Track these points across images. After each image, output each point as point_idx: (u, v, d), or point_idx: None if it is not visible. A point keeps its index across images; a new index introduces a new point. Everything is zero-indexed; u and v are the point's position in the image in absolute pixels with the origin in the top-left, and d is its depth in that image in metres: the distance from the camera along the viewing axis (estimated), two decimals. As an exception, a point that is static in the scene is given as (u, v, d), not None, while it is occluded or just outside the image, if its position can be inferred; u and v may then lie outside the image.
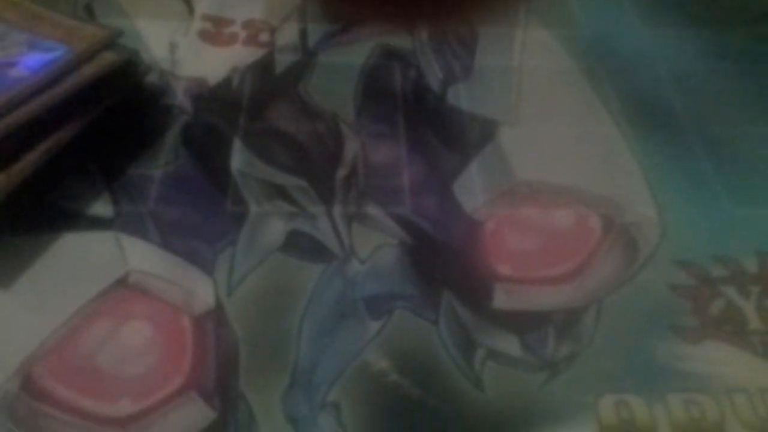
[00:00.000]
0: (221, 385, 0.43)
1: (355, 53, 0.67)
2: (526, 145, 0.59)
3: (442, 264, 0.51)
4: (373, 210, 0.54)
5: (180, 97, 0.61)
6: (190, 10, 0.70)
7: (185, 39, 0.66)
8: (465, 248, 0.51)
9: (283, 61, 0.66)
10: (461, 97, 0.63)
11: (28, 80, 0.50)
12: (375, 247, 0.51)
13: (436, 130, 0.60)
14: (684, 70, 0.68)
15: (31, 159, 0.48)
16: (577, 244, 0.52)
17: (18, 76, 0.50)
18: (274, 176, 0.55)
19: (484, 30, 0.71)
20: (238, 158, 0.56)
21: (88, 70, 0.52)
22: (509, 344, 0.47)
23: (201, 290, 0.48)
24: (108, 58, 0.54)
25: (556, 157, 0.58)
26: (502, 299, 0.49)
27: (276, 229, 0.52)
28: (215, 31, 0.68)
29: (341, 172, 0.56)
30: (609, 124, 0.62)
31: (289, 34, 0.68)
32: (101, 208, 0.52)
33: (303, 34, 0.68)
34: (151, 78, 0.61)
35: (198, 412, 0.42)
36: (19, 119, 0.48)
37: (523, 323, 0.48)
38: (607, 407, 0.44)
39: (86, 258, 0.49)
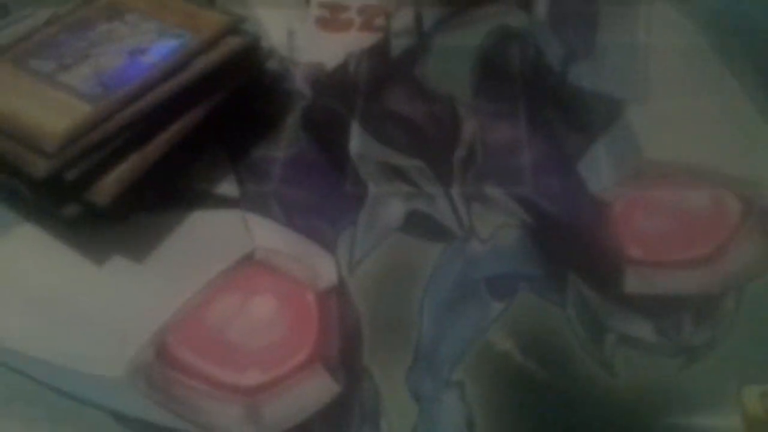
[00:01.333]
0: (345, 359, 0.43)
1: (471, 35, 0.66)
2: (655, 124, 0.56)
3: (567, 245, 0.49)
4: (492, 190, 0.53)
5: (299, 82, 0.62)
6: (307, -2, 0.71)
7: (302, 26, 0.67)
8: (591, 230, 0.49)
9: (398, 45, 0.65)
10: (584, 76, 0.61)
11: (159, 66, 0.52)
12: (495, 227, 0.50)
13: (558, 109, 0.58)
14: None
15: (162, 141, 0.50)
16: (714, 227, 0.49)
17: (150, 62, 0.53)
18: (391, 157, 0.55)
19: (605, 6, 0.68)
20: (357, 140, 0.57)
21: (214, 56, 0.54)
22: (642, 329, 0.44)
23: (324, 267, 0.48)
24: (232, 43, 0.55)
25: (688, 135, 0.55)
26: (633, 283, 0.46)
27: (395, 209, 0.52)
28: (331, 18, 0.68)
29: (459, 153, 0.55)
30: (743, 100, 0.58)
31: (403, 19, 0.68)
32: (228, 188, 0.53)
33: (418, 18, 0.68)
34: (272, 64, 0.63)
35: (323, 385, 0.42)
36: (151, 103, 0.50)
37: (657, 308, 0.45)
38: (753, 398, 0.41)
39: (215, 235, 0.50)
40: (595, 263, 0.47)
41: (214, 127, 0.54)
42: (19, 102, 0.49)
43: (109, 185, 0.47)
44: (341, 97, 0.61)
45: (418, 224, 0.51)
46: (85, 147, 0.47)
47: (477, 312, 0.45)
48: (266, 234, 0.50)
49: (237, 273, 0.48)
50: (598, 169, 0.53)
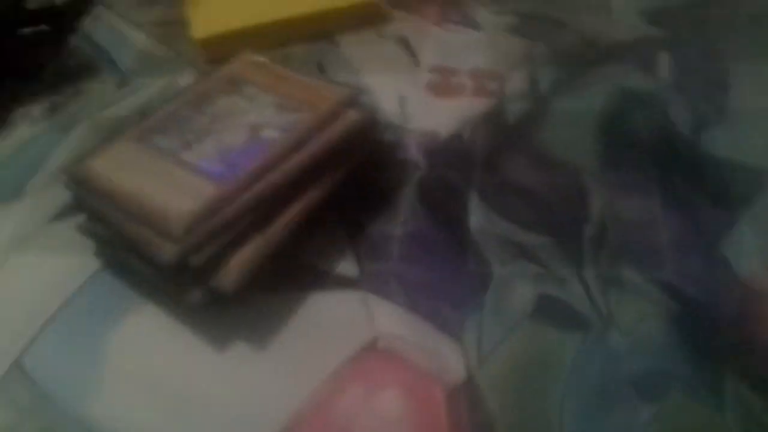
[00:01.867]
0: (480, 465, 0.40)
1: (591, 97, 0.63)
2: (805, 198, 0.51)
3: (720, 338, 0.44)
4: (629, 273, 0.49)
5: (413, 152, 0.60)
6: (417, 62, 0.69)
7: (414, 91, 0.66)
8: (746, 321, 0.45)
9: (514, 110, 0.63)
10: (718, 143, 0.57)
11: (279, 142, 0.51)
12: (637, 315, 0.46)
13: (693, 180, 0.54)
14: None
15: (284, 221, 0.49)
16: None
17: (270, 138, 0.52)
18: (514, 233, 0.53)
19: (734, 64, 0.64)
20: (476, 214, 0.54)
21: (334, 130, 0.53)
22: (817, 441, 0.39)
23: (450, 359, 0.45)
24: (352, 117, 0.54)
25: None
26: (799, 384, 0.41)
27: (524, 292, 0.49)
28: (443, 82, 0.67)
29: (589, 230, 0.52)
30: None
31: (518, 82, 0.66)
32: (347, 267, 0.52)
33: (533, 80, 0.65)
34: (386, 134, 0.61)
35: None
36: (273, 183, 0.49)
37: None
38: None
39: (336, 318, 0.49)
40: (753, 358, 0.43)
41: (333, 204, 0.53)
42: (145, 181, 0.49)
43: (233, 271, 0.46)
44: (458, 167, 0.58)
45: (550, 310, 0.48)
46: (210, 230, 0.46)
47: (626, 415, 0.41)
48: (388, 318, 0.48)
49: (361, 362, 0.46)
50: (744, 250, 0.49)
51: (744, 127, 0.58)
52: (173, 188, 0.48)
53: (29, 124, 0.65)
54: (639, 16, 0.73)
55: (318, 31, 0.73)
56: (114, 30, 0.77)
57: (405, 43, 0.72)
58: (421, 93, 0.66)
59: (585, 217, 0.53)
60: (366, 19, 0.74)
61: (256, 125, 0.53)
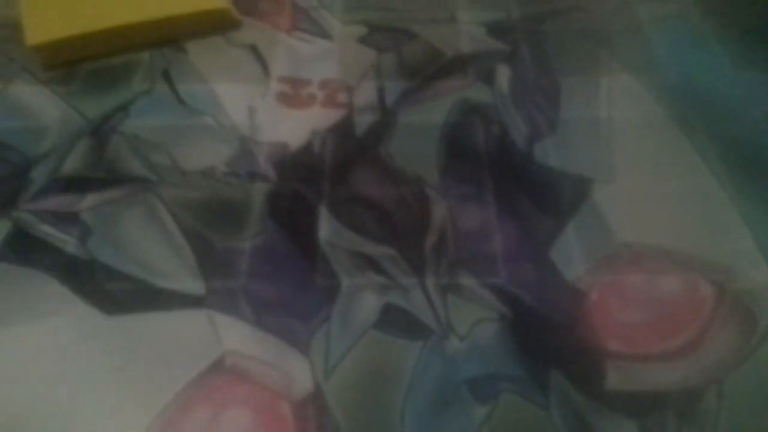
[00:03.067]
0: (327, 480, 0.41)
1: (435, 110, 0.66)
2: (623, 204, 0.56)
3: (548, 340, 0.48)
4: (467, 280, 0.52)
5: (263, 164, 0.60)
6: (267, 72, 0.69)
7: (264, 102, 0.66)
8: (570, 322, 0.49)
9: (362, 123, 0.64)
10: (549, 154, 0.61)
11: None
12: (473, 321, 0.49)
13: (526, 190, 0.58)
14: (781, 115, 0.64)
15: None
16: (689, 315, 0.49)
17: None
18: (362, 246, 0.54)
19: (566, 78, 0.69)
20: (325, 227, 0.55)
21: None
22: (627, 430, 0.44)
23: (298, 372, 0.46)
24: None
25: (655, 215, 0.55)
26: (615, 379, 0.46)
27: (369, 303, 0.50)
28: (293, 93, 0.67)
29: (430, 240, 0.54)
30: (707, 177, 0.58)
31: (366, 93, 0.67)
32: (192, 284, 0.51)
33: (381, 92, 0.67)
34: (233, 144, 0.61)
35: None
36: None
37: (640, 406, 0.45)
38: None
39: (181, 338, 0.48)
40: (575, 359, 0.47)
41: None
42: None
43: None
44: (307, 179, 0.59)
45: (394, 320, 0.49)
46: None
47: (462, 418, 0.44)
48: (236, 335, 0.48)
49: (207, 382, 0.46)
50: (571, 255, 0.53)
51: (572, 139, 0.63)
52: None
53: None
54: (482, 28, 0.77)
55: (165, 37, 0.71)
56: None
57: (255, 52, 0.71)
58: (270, 103, 0.66)
59: (427, 228, 0.55)
60: (215, 26, 0.73)
61: None
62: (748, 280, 0.51)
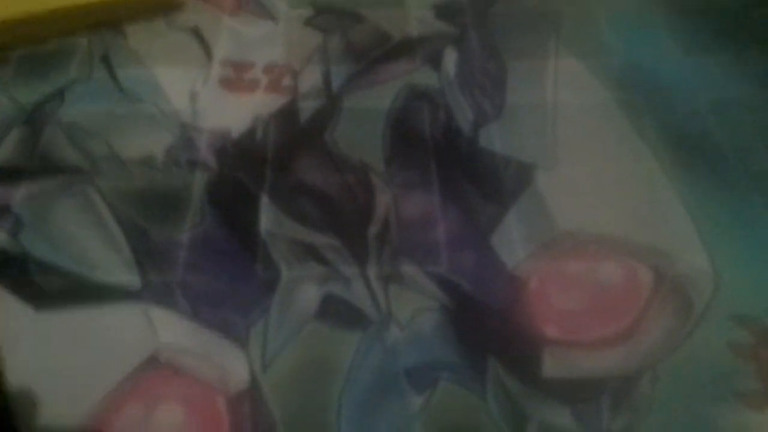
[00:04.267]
0: (261, 475, 0.41)
1: (381, 95, 0.65)
2: (565, 190, 0.56)
3: (486, 328, 0.48)
4: (409, 269, 0.51)
5: (203, 152, 0.59)
6: (209, 55, 0.68)
7: (206, 87, 0.64)
8: (509, 310, 0.49)
9: (307, 108, 0.63)
10: (494, 139, 0.61)
11: None
12: (414, 310, 0.49)
13: (470, 176, 0.58)
14: (726, 100, 0.65)
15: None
16: (627, 301, 0.49)
17: None
18: (304, 235, 0.53)
19: (513, 63, 0.69)
20: (267, 216, 0.54)
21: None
22: (562, 416, 0.44)
23: (235, 366, 0.45)
24: None
25: (597, 202, 0.56)
26: (551, 366, 0.46)
27: (309, 294, 0.50)
28: (236, 78, 0.66)
29: (373, 228, 0.54)
30: (651, 163, 0.59)
31: (311, 78, 0.66)
32: (127, 277, 0.50)
33: (326, 76, 0.66)
34: (173, 132, 0.60)
35: (238, 508, 0.40)
36: None
37: (575, 392, 0.45)
38: (671, 486, 0.41)
39: (115, 334, 0.47)
40: (513, 347, 0.47)
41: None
42: None
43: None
44: (249, 167, 0.58)
45: (334, 311, 0.49)
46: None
47: (398, 409, 0.44)
48: (172, 330, 0.47)
49: (140, 378, 0.45)
50: (512, 242, 0.53)
51: (517, 124, 0.62)
52: None
53: None
54: (430, 11, 0.76)
55: (103, 20, 0.69)
56: None
57: (197, 35, 0.69)
58: (213, 88, 0.64)
59: (370, 216, 0.55)
60: (156, 8, 0.71)
61: None
62: (686, 266, 0.51)
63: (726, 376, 0.45)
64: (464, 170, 0.58)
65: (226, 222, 0.54)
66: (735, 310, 0.49)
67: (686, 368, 0.46)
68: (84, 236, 0.52)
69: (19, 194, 0.55)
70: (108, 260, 0.51)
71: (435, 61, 0.68)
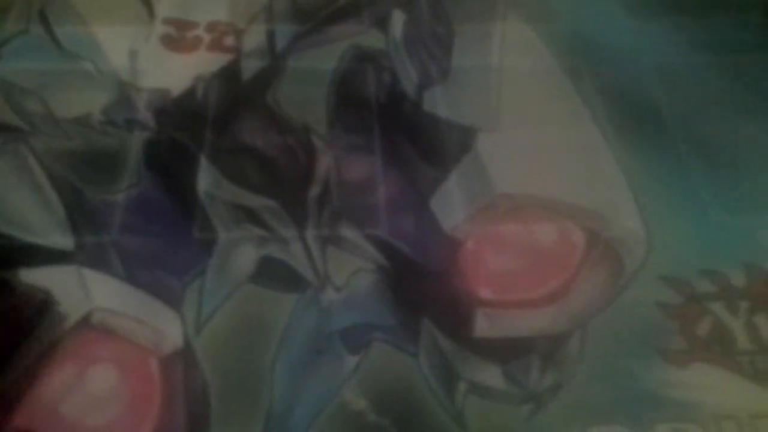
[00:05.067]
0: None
1: (326, 56, 0.64)
2: (506, 154, 0.57)
3: (421, 290, 0.49)
4: (348, 232, 0.51)
5: (142, 111, 0.57)
6: (151, 12, 0.66)
7: (146, 46, 0.63)
8: (445, 271, 0.49)
9: (249, 68, 0.62)
10: (438, 103, 0.61)
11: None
12: (351, 272, 0.49)
13: (413, 140, 0.58)
14: (669, 64, 0.65)
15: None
16: (560, 262, 0.50)
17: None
18: (243, 197, 0.53)
19: (461, 26, 0.68)
20: (205, 178, 0.54)
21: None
22: (491, 376, 0.45)
23: (169, 328, 0.45)
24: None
25: (537, 166, 0.56)
26: (483, 326, 0.47)
27: (246, 256, 0.49)
28: (178, 36, 0.64)
29: (314, 191, 0.54)
30: (592, 128, 0.59)
31: (255, 37, 0.65)
32: (61, 239, 0.49)
33: (270, 36, 0.65)
34: (111, 90, 0.58)
35: (167, 465, 0.40)
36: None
37: (506, 352, 0.46)
38: (595, 440, 0.42)
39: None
40: (447, 307, 0.48)
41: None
42: None
43: None
44: (188, 127, 0.57)
45: (271, 272, 0.49)
46: None
47: (332, 369, 0.44)
48: (105, 292, 0.47)
49: (73, 340, 0.44)
50: (451, 205, 0.53)
51: (462, 87, 0.62)
52: None
53: None
54: (380, -29, 0.74)
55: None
56: None
57: (139, -8, 0.67)
58: (154, 47, 0.63)
59: (311, 179, 0.54)
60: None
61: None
62: (620, 228, 0.52)
63: (653, 334, 0.47)
64: (407, 134, 0.58)
65: (163, 183, 0.53)
66: (665, 272, 0.50)
67: (614, 326, 0.47)
68: (17, 197, 0.51)
69: (-52, 154, 0.53)
70: (41, 221, 0.50)
71: (382, 23, 0.68)
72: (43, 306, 0.44)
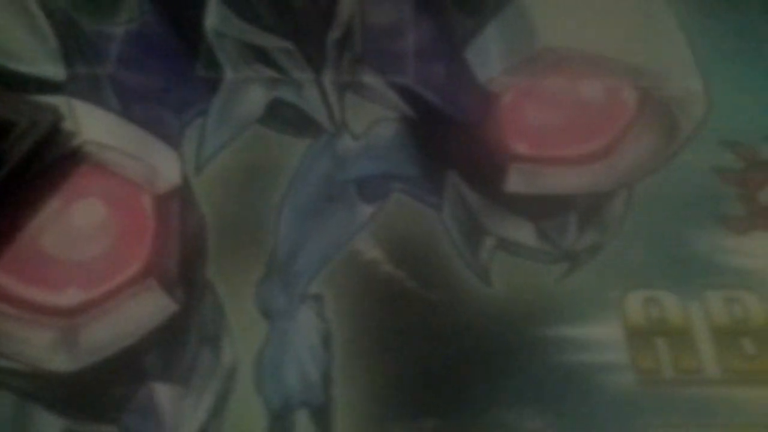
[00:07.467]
0: (185, 273, 0.37)
1: None
2: (552, 6, 0.50)
3: (449, 141, 0.43)
4: (370, 78, 0.46)
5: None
6: None
7: None
8: (476, 123, 0.44)
9: None
10: (477, -52, 0.54)
11: None
12: (371, 121, 0.44)
13: (448, -15, 0.51)
14: None
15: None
16: (607, 120, 0.44)
17: None
18: (254, 36, 0.47)
19: None
20: (213, 14, 0.48)
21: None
22: (523, 232, 0.40)
23: (165, 166, 0.41)
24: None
25: (586, 19, 0.49)
26: (516, 181, 0.42)
27: (255, 97, 0.44)
28: None
29: (334, 33, 0.48)
30: (649, -17, 0.52)
31: None
32: (52, 69, 0.44)
33: None
34: None
35: (157, 303, 0.36)
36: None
37: (541, 209, 0.41)
38: (635, 304, 0.38)
39: (33, 127, 0.42)
40: (477, 160, 0.43)
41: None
42: None
43: None
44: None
45: (281, 116, 0.44)
46: None
47: (344, 217, 0.40)
48: (97, 125, 0.42)
49: (59, 173, 0.40)
50: (488, 56, 0.47)
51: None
52: None
53: None
54: None
55: None
56: None
57: None
58: None
59: (331, 21, 0.49)
60: None
61: None
62: (677, 88, 0.46)
63: (708, 199, 0.42)
64: (442, -21, 0.52)
65: (167, 16, 0.48)
66: (725, 136, 0.44)
67: (665, 190, 0.42)
68: (5, 24, 0.46)
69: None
70: (31, 50, 0.45)
71: None
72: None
